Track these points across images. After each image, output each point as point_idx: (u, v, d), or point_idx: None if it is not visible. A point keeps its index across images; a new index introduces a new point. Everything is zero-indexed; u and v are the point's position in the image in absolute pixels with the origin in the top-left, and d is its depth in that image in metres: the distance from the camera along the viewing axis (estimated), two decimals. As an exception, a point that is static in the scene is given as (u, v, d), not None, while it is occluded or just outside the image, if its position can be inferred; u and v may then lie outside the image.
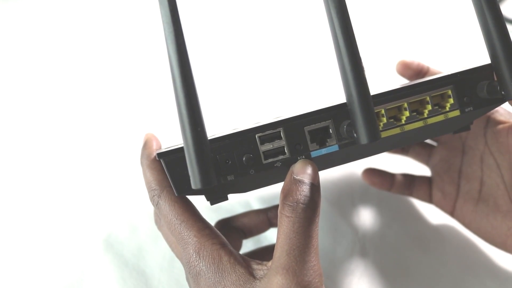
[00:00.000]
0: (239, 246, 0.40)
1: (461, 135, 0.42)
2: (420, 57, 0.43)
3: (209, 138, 0.27)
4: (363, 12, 0.68)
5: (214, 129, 0.34)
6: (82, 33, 0.67)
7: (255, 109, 0.56)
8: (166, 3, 0.26)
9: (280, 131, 0.30)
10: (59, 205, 0.48)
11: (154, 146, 0.36)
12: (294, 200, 0.29)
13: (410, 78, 0.43)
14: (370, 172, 0.46)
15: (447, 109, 0.31)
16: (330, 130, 0.30)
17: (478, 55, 0.34)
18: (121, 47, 0.65)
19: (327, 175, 0.49)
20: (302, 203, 0.28)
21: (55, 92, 0.59)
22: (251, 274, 0.29)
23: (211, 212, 0.45)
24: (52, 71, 0.61)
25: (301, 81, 0.60)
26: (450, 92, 0.31)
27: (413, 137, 0.35)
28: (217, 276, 0.30)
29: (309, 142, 0.30)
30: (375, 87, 0.33)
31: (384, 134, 0.31)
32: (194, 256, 0.30)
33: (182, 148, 0.29)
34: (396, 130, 0.31)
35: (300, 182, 0.29)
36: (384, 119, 0.31)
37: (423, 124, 0.31)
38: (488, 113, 0.39)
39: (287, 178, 0.30)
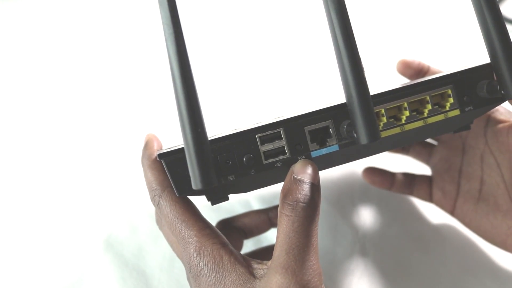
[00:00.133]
0: (240, 246, 0.40)
1: (462, 134, 0.42)
2: (420, 56, 0.43)
3: (209, 139, 0.27)
4: (363, 12, 0.68)
5: (214, 129, 0.35)
6: (83, 33, 0.67)
7: (256, 109, 0.56)
8: (166, 5, 0.26)
9: (280, 131, 0.30)
10: (59, 205, 0.48)
11: (155, 147, 0.36)
12: (294, 199, 0.29)
13: (410, 77, 0.43)
14: (371, 171, 0.46)
15: (447, 108, 0.31)
16: (330, 130, 0.30)
17: (477, 54, 0.34)
18: (122, 48, 0.65)
19: (327, 175, 0.49)
20: (302, 202, 0.28)
21: (55, 92, 0.59)
22: (252, 273, 0.29)
23: (212, 212, 0.45)
24: (52, 71, 0.61)
25: (301, 81, 0.60)
26: (450, 91, 0.31)
27: (413, 137, 0.35)
28: (218, 275, 0.30)
29: (309, 142, 0.30)
30: (375, 86, 0.33)
31: (384, 134, 0.31)
32: (195, 256, 0.31)
33: (182, 148, 0.29)
34: (396, 130, 0.31)
35: (300, 181, 0.29)
36: (384, 119, 0.31)
37: (423, 124, 0.31)
38: (489, 112, 0.39)
39: (287, 177, 0.30)
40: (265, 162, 0.30)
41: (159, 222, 0.37)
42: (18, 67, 0.62)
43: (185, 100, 0.25)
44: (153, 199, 0.33)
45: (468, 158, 0.42)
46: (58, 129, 0.55)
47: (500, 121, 0.38)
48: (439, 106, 0.32)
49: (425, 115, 0.31)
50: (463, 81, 0.32)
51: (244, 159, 0.30)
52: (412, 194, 0.46)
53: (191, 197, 0.33)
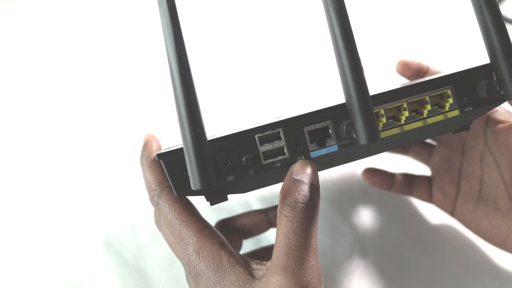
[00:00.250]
0: (239, 246, 0.40)
1: (461, 134, 0.42)
2: (419, 57, 0.43)
3: (208, 139, 0.27)
4: (362, 12, 0.68)
5: (213, 129, 0.34)
6: (82, 33, 0.67)
7: (255, 109, 0.56)
8: (165, 5, 0.26)
9: (279, 132, 0.30)
10: (59, 205, 0.48)
11: (154, 147, 0.36)
12: (293, 200, 0.28)
13: (410, 77, 0.43)
14: (370, 172, 0.46)
15: (447, 109, 0.31)
16: (330, 130, 0.30)
17: (477, 55, 0.34)
18: (121, 48, 0.65)
19: (327, 175, 0.49)
20: (301, 203, 0.28)
21: (55, 93, 0.59)
22: (251, 274, 0.29)
23: (211, 212, 0.45)
24: (52, 71, 0.61)
25: (300, 81, 0.60)
26: (449, 92, 0.31)
27: (412, 137, 0.35)
28: (217, 276, 0.30)
29: (308, 143, 0.30)
30: (375, 87, 0.33)
31: (383, 134, 0.31)
32: (194, 256, 0.31)
33: (181, 149, 0.29)
34: (396, 130, 0.31)
35: (299, 182, 0.29)
36: (384, 119, 0.31)
37: (422, 124, 0.31)
38: (488, 113, 0.39)
39: (287, 178, 0.30)
40: (264, 162, 0.30)
41: (158, 222, 0.37)
42: (18, 67, 0.62)
43: (184, 100, 0.25)
44: (152, 199, 0.33)
45: (467, 159, 0.42)
46: (58, 130, 0.55)
47: (500, 122, 0.38)
48: (438, 106, 0.32)
49: (425, 115, 0.31)
50: (463, 82, 0.32)
51: (243, 159, 0.30)
52: (411, 194, 0.46)
53: (190, 197, 0.33)
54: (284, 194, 0.29)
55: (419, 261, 0.44)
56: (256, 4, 0.71)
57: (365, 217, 0.47)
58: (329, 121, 0.30)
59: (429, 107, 0.31)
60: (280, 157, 0.30)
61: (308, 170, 0.29)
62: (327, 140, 0.30)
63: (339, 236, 0.46)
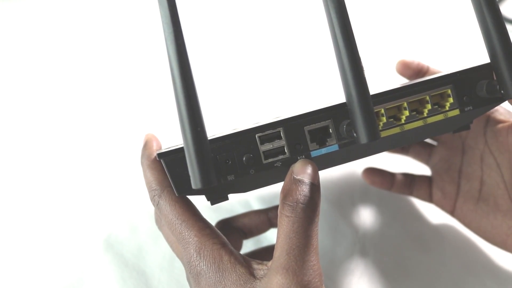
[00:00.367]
0: (239, 246, 0.40)
1: (461, 134, 0.42)
2: (420, 57, 0.43)
3: (209, 138, 0.27)
4: (362, 12, 0.68)
5: (214, 129, 0.35)
6: (82, 33, 0.67)
7: (255, 109, 0.56)
8: (165, 4, 0.26)
9: (280, 131, 0.30)
10: (59, 205, 0.48)
11: (154, 147, 0.36)
12: (293, 200, 0.28)
13: (410, 77, 0.43)
14: (371, 172, 0.46)
15: (447, 108, 0.31)
16: (330, 129, 0.30)
17: (477, 55, 0.34)
18: (121, 48, 0.65)
19: (327, 175, 0.49)
20: (301, 203, 0.28)
21: (55, 92, 0.59)
22: (252, 273, 0.29)
23: (211, 212, 0.45)
24: (52, 71, 0.61)
25: (300, 81, 0.60)
26: (449, 91, 0.31)
27: (413, 137, 0.35)
28: (218, 275, 0.30)
29: (309, 142, 0.30)
30: (375, 86, 0.33)
31: (383, 134, 0.31)
32: (195, 256, 0.31)
33: (182, 148, 0.29)
34: (396, 130, 0.31)
35: (300, 182, 0.29)
36: (384, 119, 0.31)
37: (422, 124, 0.31)
38: (488, 113, 0.39)
39: (287, 177, 0.30)
40: (264, 161, 0.30)
41: (158, 222, 0.37)
42: (18, 67, 0.62)
43: (185, 99, 0.25)
44: (152, 199, 0.33)
45: (468, 158, 0.42)
46: (58, 130, 0.55)
47: (500, 121, 0.38)
48: (438, 106, 0.32)
49: (425, 115, 0.31)
50: (463, 81, 0.32)
51: (244, 158, 0.30)
52: (412, 194, 0.46)
53: (190, 197, 0.33)
54: (285, 194, 0.29)
55: (419, 261, 0.44)
56: (256, 4, 0.71)
57: (365, 217, 0.47)
58: (330, 120, 0.30)
59: (429, 106, 0.31)
60: (281, 157, 0.30)
61: (309, 170, 0.29)
62: (328, 139, 0.30)
63: (339, 236, 0.46)
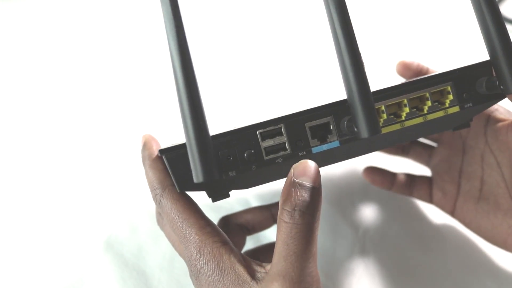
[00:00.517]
0: (242, 243, 0.40)
1: (462, 134, 0.42)
2: (420, 57, 0.44)
3: (210, 135, 0.27)
4: (362, 12, 0.68)
5: (215, 126, 0.35)
6: (82, 32, 0.67)
7: (256, 105, 0.56)
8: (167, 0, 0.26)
9: (281, 127, 0.30)
10: (59, 205, 0.48)
11: (154, 146, 0.36)
12: (292, 205, 0.28)
13: (409, 78, 0.43)
14: (371, 170, 0.46)
15: (447, 105, 0.32)
16: (331, 126, 0.31)
17: (477, 55, 0.34)
18: (121, 47, 0.65)
19: (327, 175, 0.49)
20: (300, 209, 0.28)
21: (55, 93, 0.59)
22: (250, 274, 0.29)
23: (210, 211, 0.45)
24: (52, 71, 0.62)
25: (301, 78, 0.60)
26: (449, 88, 0.32)
27: (413, 133, 0.35)
28: (217, 274, 0.30)
29: (310, 138, 0.31)
30: (375, 86, 0.33)
31: (384, 130, 0.31)
32: (195, 254, 0.31)
33: (183, 144, 0.29)
34: (396, 126, 0.31)
35: (300, 185, 0.28)
36: (384, 116, 0.31)
37: (423, 120, 0.31)
38: (488, 112, 0.39)
39: (287, 180, 0.29)
40: (266, 158, 0.30)
41: (160, 222, 0.37)
42: (18, 67, 0.63)
43: (186, 92, 0.25)
44: (155, 198, 0.33)
45: (468, 158, 0.42)
46: (58, 130, 0.55)
47: (500, 120, 0.38)
48: (438, 103, 0.32)
49: (425, 111, 0.31)
50: (463, 78, 0.32)
51: (245, 155, 0.30)
52: (412, 195, 0.46)
53: (192, 195, 0.34)
54: (284, 198, 0.28)
55: (419, 261, 0.44)
56: (258, 1, 0.71)
57: (365, 217, 0.47)
58: (330, 117, 0.31)
59: (429, 103, 0.31)
60: (282, 153, 0.30)
61: (310, 172, 0.28)
62: (329, 136, 0.31)
63: (339, 236, 0.46)
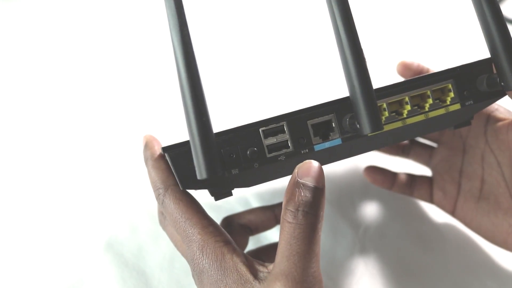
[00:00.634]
0: (245, 243, 0.40)
1: (462, 134, 0.42)
2: (420, 55, 0.44)
3: (214, 132, 0.27)
4: (363, 12, 0.68)
5: (218, 124, 0.35)
6: (83, 31, 0.67)
7: (259, 103, 0.56)
8: None
9: (283, 125, 0.30)
10: (59, 205, 0.48)
11: (156, 146, 0.36)
12: (295, 205, 0.28)
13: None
14: (372, 170, 0.46)
15: (448, 103, 0.32)
16: (333, 123, 0.31)
17: (477, 54, 0.35)
18: (122, 47, 0.65)
19: (327, 174, 0.49)
20: (303, 209, 0.28)
21: (55, 93, 0.59)
22: (253, 274, 0.29)
23: (211, 212, 0.45)
24: (52, 71, 0.61)
25: (304, 76, 0.60)
26: (450, 86, 0.32)
27: (414, 131, 0.35)
28: (219, 273, 0.30)
29: (312, 136, 0.31)
30: (376, 84, 0.33)
31: (386, 128, 0.31)
32: (198, 254, 0.31)
33: (186, 142, 0.29)
34: (398, 124, 0.31)
35: (304, 185, 0.28)
36: (386, 113, 0.31)
37: (424, 118, 0.31)
38: (488, 112, 0.39)
39: (291, 180, 0.29)
40: (268, 155, 0.30)
41: (162, 221, 0.37)
42: (18, 67, 0.62)
43: (190, 89, 0.25)
44: (157, 198, 0.33)
45: (468, 158, 0.42)
46: (58, 130, 0.55)
47: (500, 119, 0.39)
48: (440, 100, 0.32)
49: (426, 109, 0.32)
50: (463, 76, 0.32)
51: (248, 152, 0.30)
52: (412, 195, 0.46)
53: (194, 195, 0.34)
54: (288, 198, 0.28)
55: (419, 261, 0.44)
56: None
57: (366, 216, 0.47)
58: (333, 114, 0.31)
59: (430, 101, 0.32)
60: (284, 150, 0.30)
61: (313, 172, 0.28)
62: (331, 133, 0.31)
63: (339, 236, 0.46)
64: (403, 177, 0.46)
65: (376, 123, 0.27)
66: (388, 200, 0.48)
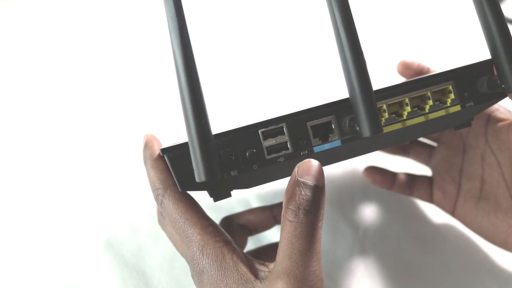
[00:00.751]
0: (244, 243, 0.40)
1: (462, 134, 0.42)
2: (421, 56, 0.44)
3: (212, 134, 0.27)
4: (363, 12, 0.68)
5: (217, 125, 0.35)
6: (83, 31, 0.67)
7: (258, 104, 0.56)
8: None
9: (283, 127, 0.30)
10: (59, 205, 0.48)
11: (156, 146, 0.36)
12: (296, 204, 0.28)
13: (410, 78, 0.43)
14: (372, 170, 0.46)
15: (448, 104, 0.32)
16: (333, 125, 0.31)
17: (478, 55, 0.35)
18: (122, 47, 0.65)
19: (327, 175, 0.49)
20: (304, 208, 0.28)
21: (55, 93, 0.59)
22: (254, 274, 0.29)
23: (211, 212, 0.45)
24: (52, 71, 0.61)
25: (303, 77, 0.60)
26: (450, 87, 0.32)
27: (414, 133, 0.35)
28: (220, 273, 0.30)
29: (311, 137, 0.30)
30: (376, 85, 0.33)
31: (386, 130, 0.31)
32: (198, 254, 0.31)
33: (185, 143, 0.29)
34: (398, 125, 0.31)
35: (304, 184, 0.28)
36: (386, 115, 0.31)
37: (424, 119, 0.31)
38: (489, 112, 0.39)
39: (291, 178, 0.29)
40: (267, 157, 0.30)
41: (161, 222, 0.37)
42: (18, 67, 0.62)
43: (189, 91, 0.25)
44: (156, 198, 0.33)
45: (468, 158, 0.42)
46: (58, 130, 0.55)
47: (500, 120, 0.39)
48: (440, 102, 0.32)
49: (426, 110, 0.31)
50: (464, 77, 0.32)
51: (247, 154, 0.30)
52: (412, 194, 0.46)
53: (194, 195, 0.33)
54: (288, 197, 0.29)
55: (419, 261, 0.44)
56: (260, 0, 0.71)
57: (365, 217, 0.47)
58: (332, 116, 0.31)
59: (430, 102, 0.31)
60: (284, 152, 0.30)
61: (313, 171, 0.28)
62: (330, 135, 0.31)
63: (339, 236, 0.46)
64: (402, 177, 0.46)
65: (376, 126, 0.26)
66: (388, 200, 0.48)
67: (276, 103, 0.56)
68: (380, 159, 0.49)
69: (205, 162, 0.25)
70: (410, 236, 0.46)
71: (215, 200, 0.33)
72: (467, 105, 0.32)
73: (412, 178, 0.46)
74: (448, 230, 0.46)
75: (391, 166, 0.48)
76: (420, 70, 0.42)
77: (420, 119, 0.31)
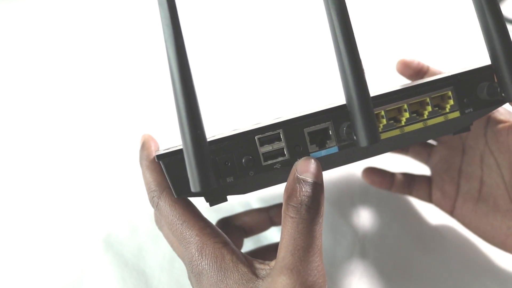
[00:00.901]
0: (240, 245, 0.40)
1: (462, 135, 0.42)
2: (420, 56, 0.43)
3: (208, 140, 0.27)
4: (363, 13, 0.67)
5: (214, 130, 0.34)
6: (82, 34, 0.67)
7: (255, 110, 0.56)
8: (165, 5, 0.26)
9: (279, 133, 0.30)
10: (59, 205, 0.48)
11: (153, 147, 0.36)
12: (298, 201, 0.28)
13: (410, 77, 0.43)
14: (370, 171, 0.46)
15: (447, 110, 0.31)
16: (330, 131, 0.30)
17: (478, 55, 0.34)
18: (121, 49, 0.65)
19: (326, 176, 0.49)
20: (305, 204, 0.28)
21: (55, 93, 0.59)
22: (254, 273, 0.29)
23: (210, 212, 0.45)
24: (52, 72, 0.61)
25: (301, 83, 0.60)
26: (450, 93, 0.31)
27: (413, 138, 0.35)
28: (220, 274, 0.30)
29: (308, 144, 0.30)
30: (375, 87, 0.33)
31: (383, 136, 0.31)
32: (197, 255, 0.30)
33: (181, 149, 0.28)
34: (396, 132, 0.31)
35: (304, 181, 0.29)
36: (384, 121, 0.31)
37: (423, 126, 0.31)
38: (489, 113, 0.39)
39: (290, 176, 0.29)
40: (264, 163, 0.30)
41: (158, 222, 0.37)
42: (18, 67, 0.62)
43: (184, 101, 0.25)
44: (151, 200, 0.33)
45: (468, 159, 0.42)
46: (58, 130, 0.55)
47: (500, 121, 0.38)
48: (439, 107, 0.31)
49: (425, 117, 0.31)
50: (464, 83, 0.31)
51: (243, 160, 0.30)
52: (411, 194, 0.46)
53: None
54: (289, 194, 0.29)
55: (419, 262, 0.44)
56: (256, 5, 0.70)
57: (365, 217, 0.47)
58: (330, 122, 0.30)
59: (429, 108, 0.31)
60: (280, 159, 0.30)
61: (312, 168, 0.29)
62: (327, 141, 0.30)
63: (339, 236, 0.46)
64: (401, 177, 0.46)
65: (373, 137, 0.26)
66: (388, 201, 0.48)
67: (273, 107, 0.56)
68: (379, 157, 0.48)
69: (200, 172, 0.25)
70: (410, 237, 0.46)
71: (211, 205, 0.33)
72: (466, 111, 0.31)
73: (411, 178, 0.46)
74: (448, 230, 0.46)
75: (390, 164, 0.48)
76: (420, 69, 0.42)
77: (419, 125, 0.31)
